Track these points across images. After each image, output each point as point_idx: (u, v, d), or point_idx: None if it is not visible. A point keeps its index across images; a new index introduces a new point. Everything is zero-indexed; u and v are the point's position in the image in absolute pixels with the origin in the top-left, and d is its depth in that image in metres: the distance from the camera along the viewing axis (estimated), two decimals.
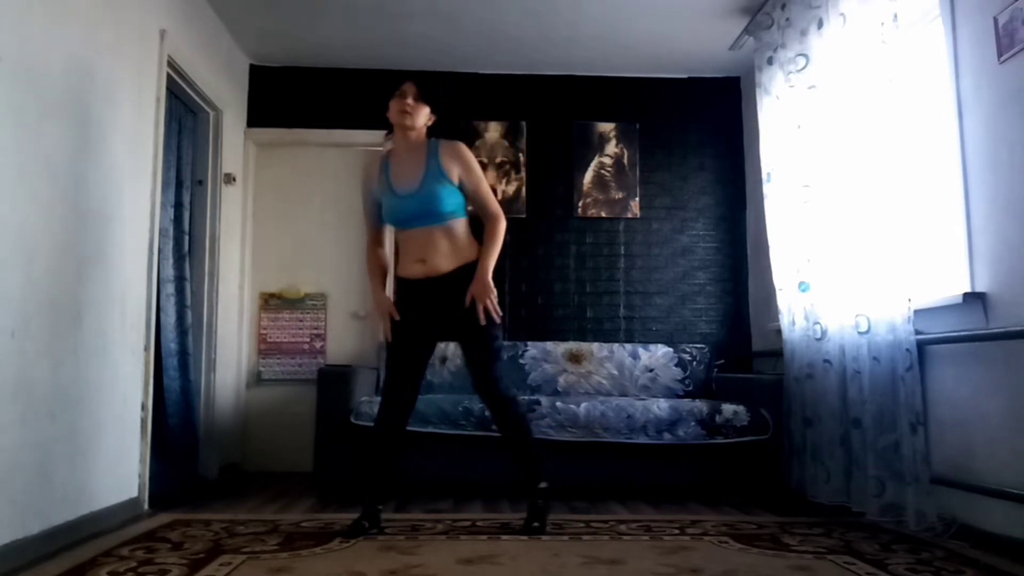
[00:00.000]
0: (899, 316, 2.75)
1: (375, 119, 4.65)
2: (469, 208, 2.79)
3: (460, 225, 2.73)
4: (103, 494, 2.72)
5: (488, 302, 2.64)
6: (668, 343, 4.37)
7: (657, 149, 4.66)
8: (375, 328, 2.80)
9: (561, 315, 4.53)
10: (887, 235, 2.81)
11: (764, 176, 3.72)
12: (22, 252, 2.25)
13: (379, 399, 2.81)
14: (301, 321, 4.49)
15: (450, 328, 2.72)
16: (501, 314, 2.70)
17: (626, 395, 4.03)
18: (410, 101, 2.69)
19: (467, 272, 2.68)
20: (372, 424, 2.89)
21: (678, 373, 4.19)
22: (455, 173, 2.70)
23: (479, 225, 2.77)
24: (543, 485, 2.72)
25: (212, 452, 3.92)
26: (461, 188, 2.72)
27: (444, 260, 2.68)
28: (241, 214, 4.41)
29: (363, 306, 4.49)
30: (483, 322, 2.63)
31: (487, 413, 3.04)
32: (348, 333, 4.50)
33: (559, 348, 4.27)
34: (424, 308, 2.72)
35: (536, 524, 2.62)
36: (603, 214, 4.59)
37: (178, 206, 3.74)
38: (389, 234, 3.04)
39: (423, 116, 2.73)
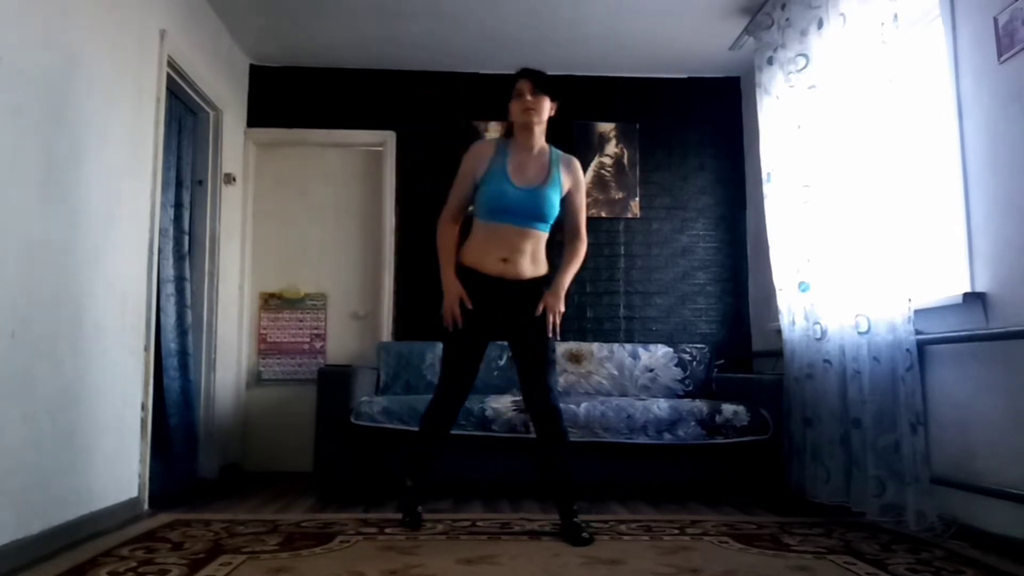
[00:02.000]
0: (899, 316, 2.75)
1: (375, 119, 4.72)
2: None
3: (545, 239, 2.76)
4: (103, 494, 2.72)
5: (557, 315, 2.68)
6: (668, 343, 4.37)
7: (657, 149, 4.66)
8: (448, 311, 2.69)
9: None
10: (887, 235, 2.81)
11: (764, 176, 3.72)
12: (22, 252, 2.25)
13: (430, 396, 2.80)
14: (301, 321, 4.49)
15: (512, 332, 2.72)
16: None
17: (626, 395, 4.03)
18: (530, 97, 2.67)
19: (541, 284, 2.73)
20: (418, 423, 2.87)
21: (678, 373, 4.19)
22: (567, 186, 2.75)
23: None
24: (576, 507, 2.64)
25: (212, 452, 3.92)
26: (563, 203, 2.75)
27: (527, 266, 2.71)
28: (241, 214, 4.41)
29: (363, 306, 4.49)
30: (551, 334, 2.67)
31: (528, 424, 3.04)
32: (348, 333, 4.50)
33: (559, 348, 4.26)
34: (494, 306, 2.69)
35: (585, 535, 2.51)
36: (603, 214, 4.58)
37: (178, 206, 3.74)
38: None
39: (546, 108, 2.71)
